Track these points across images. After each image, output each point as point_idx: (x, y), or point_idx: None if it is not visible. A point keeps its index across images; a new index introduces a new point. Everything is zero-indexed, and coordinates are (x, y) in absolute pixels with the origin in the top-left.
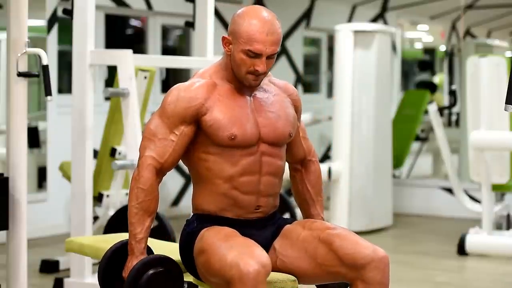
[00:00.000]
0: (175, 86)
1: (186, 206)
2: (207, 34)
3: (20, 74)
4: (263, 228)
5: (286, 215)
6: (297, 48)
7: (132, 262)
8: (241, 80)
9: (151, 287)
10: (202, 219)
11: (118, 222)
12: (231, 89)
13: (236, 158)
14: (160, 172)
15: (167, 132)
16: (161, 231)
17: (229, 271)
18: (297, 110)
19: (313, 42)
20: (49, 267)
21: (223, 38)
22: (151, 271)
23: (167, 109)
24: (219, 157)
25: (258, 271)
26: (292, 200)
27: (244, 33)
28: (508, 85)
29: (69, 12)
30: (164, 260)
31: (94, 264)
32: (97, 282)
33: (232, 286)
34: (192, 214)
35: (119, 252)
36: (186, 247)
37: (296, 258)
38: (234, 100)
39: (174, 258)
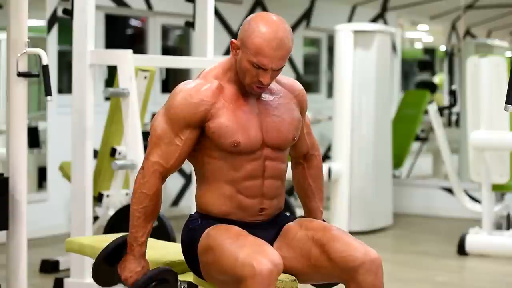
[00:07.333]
0: (180, 86)
1: (186, 206)
2: (207, 34)
3: (20, 74)
4: (267, 230)
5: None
6: (297, 48)
7: (130, 261)
8: (245, 86)
9: None
10: (206, 217)
11: (118, 222)
12: (237, 93)
13: (240, 164)
14: (165, 176)
15: (172, 137)
16: (161, 231)
17: (241, 270)
18: (303, 110)
19: (313, 42)
20: (49, 267)
21: (232, 42)
22: (153, 284)
23: (173, 112)
24: (223, 162)
25: (271, 270)
26: (292, 200)
27: (252, 45)
28: (508, 85)
29: (69, 12)
30: (165, 271)
31: None
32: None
33: (243, 284)
34: (195, 211)
35: (117, 249)
36: (189, 244)
37: (292, 258)
38: (239, 105)
39: (174, 258)
